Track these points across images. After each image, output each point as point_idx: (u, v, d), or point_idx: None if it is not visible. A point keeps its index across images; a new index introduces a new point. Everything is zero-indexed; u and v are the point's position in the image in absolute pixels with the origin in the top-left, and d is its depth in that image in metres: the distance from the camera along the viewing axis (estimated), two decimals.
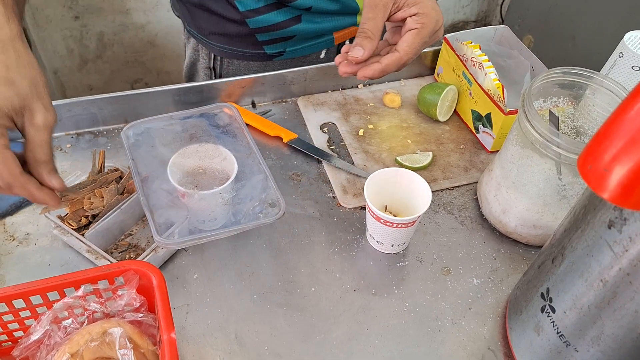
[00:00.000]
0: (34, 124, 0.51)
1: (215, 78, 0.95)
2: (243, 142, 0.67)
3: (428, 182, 0.74)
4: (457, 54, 0.82)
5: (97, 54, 1.90)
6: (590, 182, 0.34)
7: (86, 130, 0.78)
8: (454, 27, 2.41)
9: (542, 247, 0.67)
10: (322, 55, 0.92)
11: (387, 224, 0.62)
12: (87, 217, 0.62)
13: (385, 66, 0.62)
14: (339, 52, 0.87)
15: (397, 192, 0.67)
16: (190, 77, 1.04)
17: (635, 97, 0.33)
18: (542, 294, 0.53)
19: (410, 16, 0.63)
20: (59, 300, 0.52)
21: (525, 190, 0.64)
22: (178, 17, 1.25)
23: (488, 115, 0.77)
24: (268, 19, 0.84)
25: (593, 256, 0.45)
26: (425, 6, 0.62)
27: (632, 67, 0.69)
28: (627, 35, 0.70)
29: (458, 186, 0.75)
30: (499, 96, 0.74)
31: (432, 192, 0.74)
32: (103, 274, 0.53)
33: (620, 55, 0.70)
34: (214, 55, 0.92)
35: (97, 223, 0.62)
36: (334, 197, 0.73)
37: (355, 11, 0.89)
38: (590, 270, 0.46)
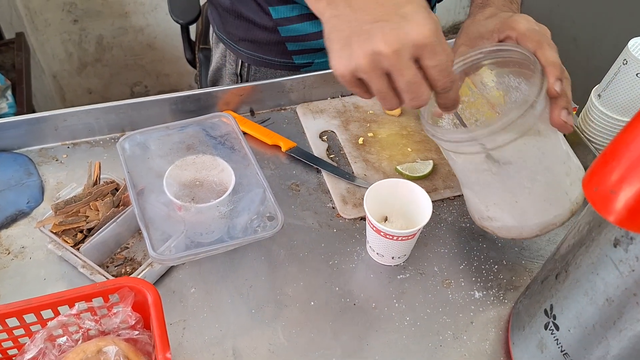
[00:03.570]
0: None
1: (242, 83, 0.94)
2: (241, 152, 0.66)
3: (429, 192, 0.73)
4: None
5: (96, 58, 1.90)
6: (595, 204, 0.33)
7: (83, 140, 0.77)
8: (455, 28, 2.39)
9: (517, 239, 0.64)
10: None
11: (387, 236, 0.61)
12: (82, 231, 0.61)
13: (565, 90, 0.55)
14: None
15: (398, 203, 0.66)
16: (215, 82, 1.03)
17: None
18: (545, 311, 0.52)
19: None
20: (53, 318, 0.51)
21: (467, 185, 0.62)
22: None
23: None
24: (300, 28, 0.83)
25: (598, 274, 0.44)
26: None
27: (637, 75, 0.68)
28: (631, 42, 0.69)
29: (459, 195, 0.74)
30: (501, 104, 0.73)
31: (433, 201, 0.72)
32: (97, 292, 0.52)
33: (625, 62, 0.68)
34: (242, 61, 0.91)
35: (93, 237, 0.61)
36: (333, 208, 0.72)
37: None
38: (595, 288, 0.45)
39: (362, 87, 0.49)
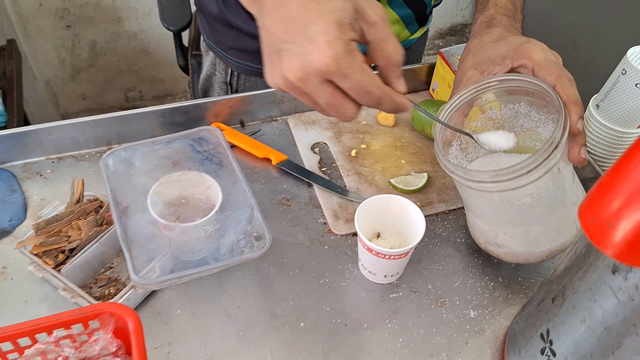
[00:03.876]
0: (371, 22, 0.45)
1: (231, 94, 0.92)
2: (228, 168, 0.64)
3: (423, 206, 0.71)
4: (452, 70, 0.79)
5: (89, 63, 1.88)
6: (592, 236, 0.31)
7: (68, 154, 0.75)
8: (453, 30, 2.37)
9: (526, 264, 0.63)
10: None
11: (379, 255, 0.59)
12: (63, 252, 0.60)
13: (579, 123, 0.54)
14: None
15: (391, 218, 0.64)
16: (206, 91, 1.01)
17: None
18: (542, 335, 0.50)
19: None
20: (30, 346, 0.49)
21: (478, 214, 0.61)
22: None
23: None
24: None
25: (596, 301, 0.42)
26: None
27: (636, 85, 0.66)
28: (630, 51, 0.67)
29: (454, 209, 0.72)
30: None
31: (427, 216, 0.71)
32: (76, 318, 0.50)
33: (623, 72, 0.66)
34: (232, 70, 0.89)
35: (75, 258, 0.59)
36: (325, 223, 0.70)
37: None
38: (593, 316, 0.43)
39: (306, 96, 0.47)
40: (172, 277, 0.53)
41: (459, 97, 0.59)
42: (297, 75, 0.43)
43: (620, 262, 0.33)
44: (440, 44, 2.37)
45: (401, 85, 0.49)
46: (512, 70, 0.58)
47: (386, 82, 0.48)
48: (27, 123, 1.58)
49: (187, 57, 1.30)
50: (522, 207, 0.54)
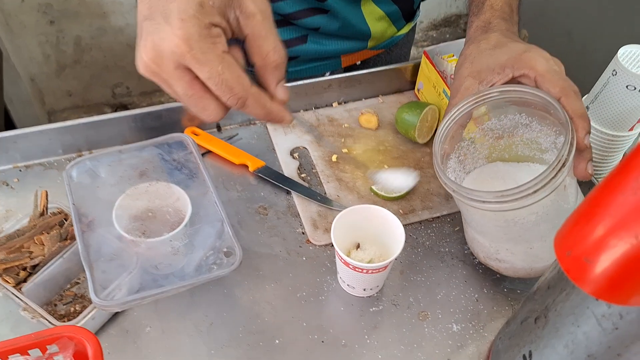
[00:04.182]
0: (248, 14, 0.41)
1: None
2: (199, 178, 0.61)
3: (406, 213, 0.68)
4: (437, 70, 0.75)
5: (74, 59, 1.84)
6: (569, 271, 0.29)
7: (36, 161, 0.72)
8: (447, 21, 2.33)
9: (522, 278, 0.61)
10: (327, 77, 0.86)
11: (357, 269, 0.56)
12: (25, 269, 0.57)
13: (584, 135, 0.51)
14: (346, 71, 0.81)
15: (370, 229, 0.61)
16: None
17: (624, 172, 0.27)
18: (524, 356, 0.47)
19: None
20: None
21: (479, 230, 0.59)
22: None
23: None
24: None
25: (579, 327, 0.39)
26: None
27: (627, 87, 0.63)
28: (621, 51, 0.64)
29: (438, 217, 0.69)
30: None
31: (410, 224, 0.68)
32: (33, 343, 0.47)
33: (614, 72, 0.63)
34: None
35: (37, 275, 0.56)
36: (303, 233, 0.67)
37: (366, 37, 0.83)
38: (576, 342, 0.40)
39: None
40: (135, 298, 0.50)
41: (458, 109, 0.56)
42: (149, 55, 0.39)
43: (599, 299, 0.30)
44: (434, 35, 2.33)
45: (281, 92, 0.44)
46: (513, 80, 0.55)
47: (264, 85, 0.44)
48: (9, 122, 1.54)
49: None
50: (527, 225, 0.52)
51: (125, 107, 2.00)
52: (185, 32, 0.38)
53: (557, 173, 0.48)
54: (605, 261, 0.27)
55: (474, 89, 0.56)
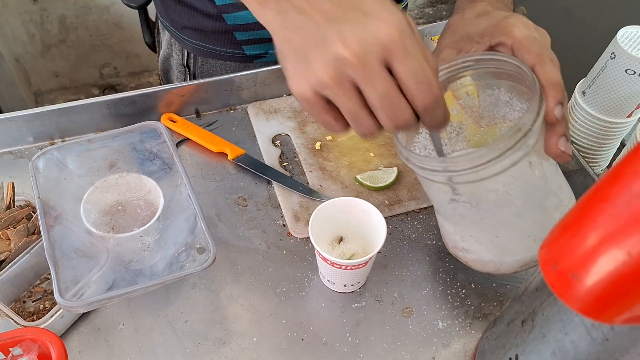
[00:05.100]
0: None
1: (190, 77, 0.85)
2: (173, 169, 0.58)
3: (391, 204, 0.66)
4: None
5: (60, 39, 1.78)
6: (554, 286, 0.26)
7: (5, 150, 0.69)
8: (431, 2, 2.26)
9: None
10: None
11: (335, 265, 0.53)
12: None
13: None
14: None
15: (352, 222, 0.58)
16: (165, 72, 0.94)
17: (617, 180, 0.24)
18: (510, 359, 0.45)
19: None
20: None
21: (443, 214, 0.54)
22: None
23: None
24: (248, 16, 0.74)
25: (567, 334, 0.37)
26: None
27: (626, 71, 0.59)
28: (620, 33, 0.60)
29: (425, 207, 0.66)
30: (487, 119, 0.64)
31: (396, 215, 0.65)
32: None
33: (613, 56, 0.60)
34: (188, 52, 0.82)
35: (3, 272, 0.53)
36: (284, 225, 0.64)
37: None
38: (564, 350, 0.38)
39: (332, 111, 0.40)
40: (101, 299, 0.47)
41: None
42: (355, 50, 0.36)
43: (586, 317, 0.27)
44: (430, 12, 2.27)
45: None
46: (491, 49, 0.51)
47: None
48: None
49: (154, 33, 1.22)
50: (487, 206, 0.48)
51: (113, 88, 1.96)
52: (400, 22, 0.36)
53: (515, 143, 0.42)
54: (593, 278, 0.24)
55: (450, 60, 0.52)
